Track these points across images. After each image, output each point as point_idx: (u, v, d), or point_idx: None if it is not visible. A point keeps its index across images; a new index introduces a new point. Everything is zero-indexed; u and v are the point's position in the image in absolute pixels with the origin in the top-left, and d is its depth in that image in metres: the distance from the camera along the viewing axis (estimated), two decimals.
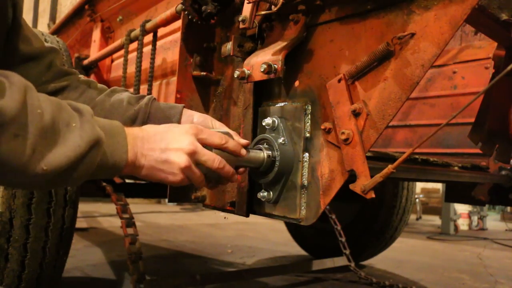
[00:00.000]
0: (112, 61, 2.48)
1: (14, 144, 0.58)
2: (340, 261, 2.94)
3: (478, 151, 1.88)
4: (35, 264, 1.59)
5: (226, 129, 0.99)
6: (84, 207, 6.21)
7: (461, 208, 6.62)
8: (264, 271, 2.71)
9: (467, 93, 2.33)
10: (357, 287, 2.77)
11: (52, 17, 3.47)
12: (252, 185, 1.07)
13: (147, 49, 1.85)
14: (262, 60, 0.98)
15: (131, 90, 1.82)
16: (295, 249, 3.71)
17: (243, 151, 0.91)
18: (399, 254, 3.93)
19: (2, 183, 0.68)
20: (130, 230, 1.86)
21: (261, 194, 1.01)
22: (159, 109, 1.02)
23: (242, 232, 5.06)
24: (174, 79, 1.55)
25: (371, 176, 0.83)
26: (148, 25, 1.75)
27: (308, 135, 0.97)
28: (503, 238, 5.64)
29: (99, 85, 1.07)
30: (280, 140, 0.99)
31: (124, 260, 2.23)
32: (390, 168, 0.81)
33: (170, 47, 1.86)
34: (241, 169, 0.97)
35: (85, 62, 2.46)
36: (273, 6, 0.97)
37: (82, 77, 1.06)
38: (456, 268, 3.57)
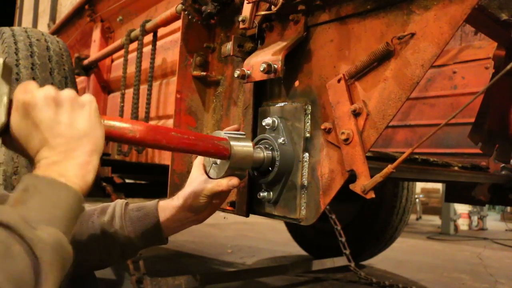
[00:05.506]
0: (112, 61, 2.48)
1: None
2: (340, 261, 2.94)
3: (478, 151, 1.87)
4: None
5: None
6: None
7: (461, 208, 6.61)
8: (264, 271, 2.71)
9: (467, 93, 2.32)
10: (357, 287, 2.77)
11: (52, 17, 3.47)
12: (252, 185, 1.07)
13: (147, 49, 1.85)
14: (262, 60, 0.98)
15: (131, 90, 1.83)
16: (295, 249, 3.71)
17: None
18: (399, 254, 3.93)
19: None
20: None
21: (261, 194, 1.01)
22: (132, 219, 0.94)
23: (242, 232, 5.06)
24: (174, 79, 1.55)
25: (371, 176, 0.83)
26: (148, 25, 1.75)
27: (308, 135, 0.97)
28: (503, 238, 5.64)
29: None
30: (280, 140, 0.99)
31: None
32: (390, 168, 0.81)
33: (170, 47, 1.86)
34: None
35: (85, 62, 2.46)
36: (273, 6, 0.97)
37: None
38: (456, 268, 3.57)
